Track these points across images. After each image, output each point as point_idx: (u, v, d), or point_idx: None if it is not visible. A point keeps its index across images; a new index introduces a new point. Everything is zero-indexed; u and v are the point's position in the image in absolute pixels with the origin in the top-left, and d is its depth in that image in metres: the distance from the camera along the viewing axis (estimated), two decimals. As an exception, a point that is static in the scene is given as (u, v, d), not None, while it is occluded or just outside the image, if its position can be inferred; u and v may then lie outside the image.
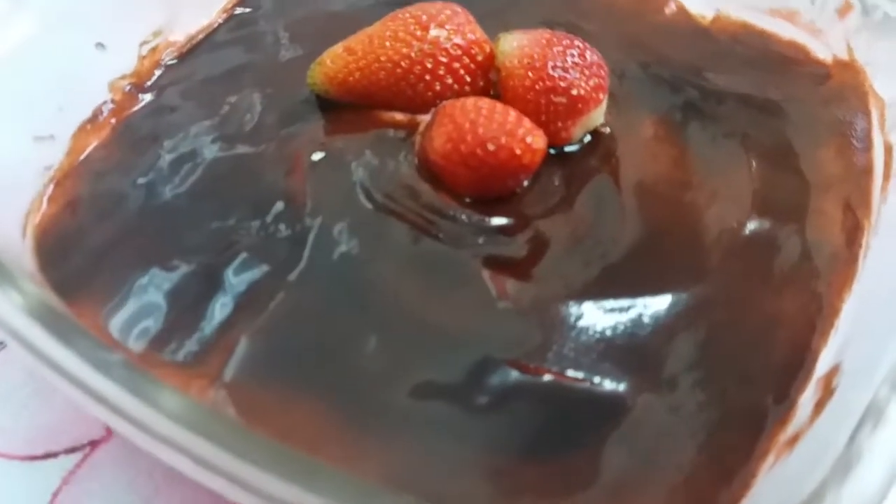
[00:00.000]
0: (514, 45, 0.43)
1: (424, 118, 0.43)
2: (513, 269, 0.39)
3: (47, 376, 0.31)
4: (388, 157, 0.42)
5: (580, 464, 0.34)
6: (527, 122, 0.40)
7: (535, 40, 0.42)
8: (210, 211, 0.41)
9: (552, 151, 0.42)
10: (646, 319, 0.38)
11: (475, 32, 0.43)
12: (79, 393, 0.30)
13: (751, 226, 0.42)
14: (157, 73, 0.48)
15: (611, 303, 0.38)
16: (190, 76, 0.48)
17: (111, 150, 0.44)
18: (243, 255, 0.39)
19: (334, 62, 0.44)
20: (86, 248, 0.40)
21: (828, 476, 0.29)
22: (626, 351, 0.37)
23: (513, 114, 0.40)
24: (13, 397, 0.42)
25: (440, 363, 0.36)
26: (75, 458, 0.40)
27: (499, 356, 0.36)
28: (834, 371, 0.36)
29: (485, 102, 0.40)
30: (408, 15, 0.44)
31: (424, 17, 0.43)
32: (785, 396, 0.36)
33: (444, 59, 0.43)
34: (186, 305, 0.37)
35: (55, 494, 0.39)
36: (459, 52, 0.43)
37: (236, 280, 0.38)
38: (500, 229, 0.40)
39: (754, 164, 0.44)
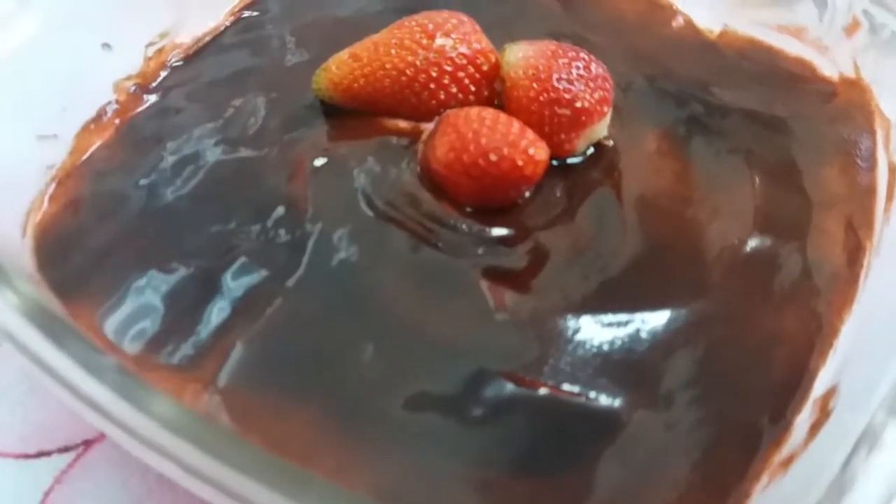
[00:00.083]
0: (519, 56, 0.42)
1: (428, 127, 0.43)
2: (512, 280, 0.39)
3: (40, 378, 0.31)
4: (391, 164, 0.42)
5: (573, 480, 0.34)
6: (530, 134, 0.40)
7: (540, 51, 0.42)
8: (211, 214, 0.40)
9: (555, 163, 0.42)
10: (644, 335, 0.38)
11: (481, 42, 0.43)
12: (70, 396, 0.30)
13: (752, 243, 0.42)
14: (163, 74, 0.48)
15: (609, 317, 0.38)
16: (195, 78, 0.48)
17: (114, 151, 0.44)
18: (242, 260, 0.39)
19: (339, 68, 0.44)
20: (85, 248, 0.40)
21: (822, 499, 0.29)
22: (623, 366, 0.36)
23: (516, 125, 0.40)
24: (8, 395, 0.42)
25: (436, 374, 0.35)
26: (68, 457, 0.40)
27: (495, 368, 0.36)
28: (831, 392, 0.35)
29: (488, 112, 0.40)
30: (414, 23, 0.43)
31: (430, 26, 0.43)
32: (781, 416, 0.36)
33: (449, 68, 0.43)
34: (184, 309, 0.37)
35: (47, 493, 0.39)
36: (465, 61, 0.43)
37: (234, 284, 0.38)
38: (501, 240, 0.40)
39: (757, 180, 0.44)
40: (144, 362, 0.35)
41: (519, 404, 0.35)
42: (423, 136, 0.43)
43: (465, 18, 0.44)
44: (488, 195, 0.40)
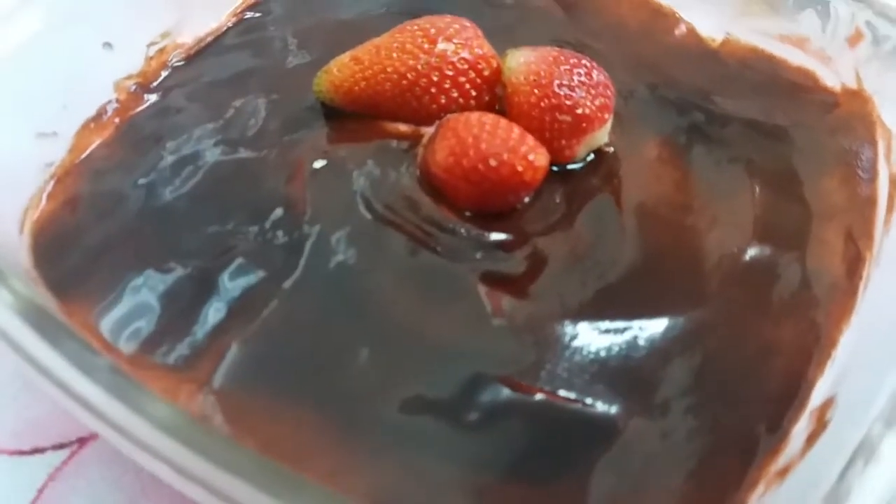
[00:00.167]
0: (520, 62, 0.42)
1: (428, 131, 0.43)
2: (509, 285, 0.39)
3: (33, 377, 0.31)
4: (390, 167, 0.42)
5: (568, 487, 0.33)
6: (530, 140, 0.40)
7: (542, 57, 0.42)
8: (209, 214, 0.40)
9: (555, 169, 0.42)
10: (641, 342, 0.37)
11: (483, 47, 0.43)
12: (63, 395, 0.30)
13: (751, 252, 0.41)
14: (164, 74, 0.48)
15: (607, 324, 0.38)
16: (196, 78, 0.48)
17: (113, 150, 0.44)
18: (239, 261, 0.39)
19: (341, 71, 0.44)
20: (83, 246, 0.39)
21: (818, 510, 0.28)
22: (619, 373, 0.36)
23: (516, 130, 0.40)
24: (3, 391, 0.42)
25: (432, 378, 0.35)
26: (63, 454, 0.40)
27: (491, 373, 0.35)
28: (828, 403, 0.35)
29: (489, 118, 0.40)
30: (416, 27, 0.43)
31: (433, 31, 0.43)
32: (778, 427, 0.36)
33: (450, 73, 0.43)
34: (180, 309, 0.37)
35: (41, 490, 0.39)
36: (466, 66, 0.43)
37: (231, 285, 0.38)
38: (499, 245, 0.40)
39: (757, 189, 0.44)
40: (139, 362, 0.35)
41: (515, 410, 0.35)
42: (424, 140, 0.43)
43: (468, 23, 0.44)
44: (487, 200, 0.40)
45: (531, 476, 0.34)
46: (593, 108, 0.42)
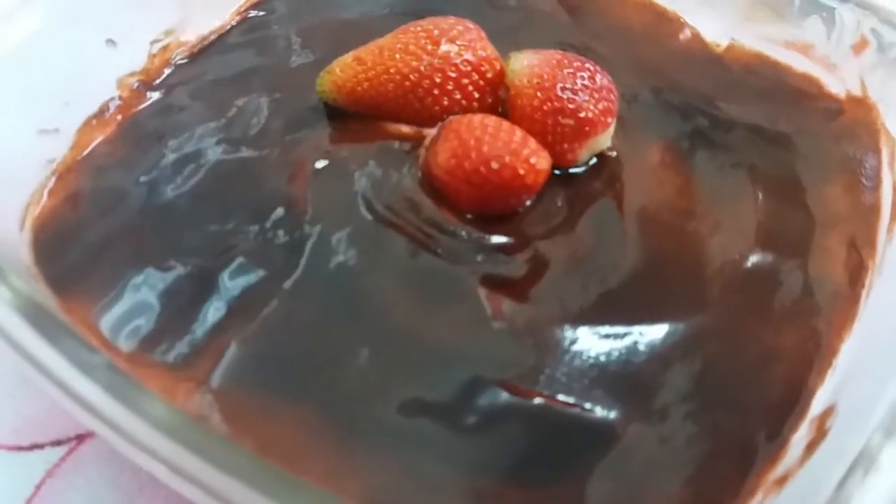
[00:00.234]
0: (524, 64, 0.42)
1: (430, 132, 0.43)
2: (510, 288, 0.38)
3: (30, 374, 0.31)
4: (392, 168, 0.42)
5: (566, 491, 0.33)
6: (532, 143, 0.40)
7: (545, 60, 0.42)
8: (210, 213, 0.40)
9: (557, 172, 0.42)
10: (641, 347, 0.37)
11: (486, 49, 0.43)
12: (60, 393, 0.30)
13: (753, 258, 0.41)
14: (167, 71, 0.48)
15: (607, 328, 0.38)
16: (199, 77, 0.48)
17: (115, 147, 0.44)
18: (240, 260, 0.38)
19: (344, 71, 0.44)
20: (83, 243, 0.39)
21: (815, 520, 0.28)
22: (619, 378, 0.36)
23: (518, 133, 0.40)
24: (2, 387, 0.42)
25: (430, 380, 0.35)
26: (61, 451, 0.40)
27: (490, 376, 0.35)
28: (828, 412, 0.35)
29: (491, 120, 0.40)
30: (419, 28, 0.43)
31: (436, 32, 0.43)
32: (777, 434, 0.35)
33: (453, 75, 0.43)
34: (179, 307, 0.37)
35: (38, 486, 0.39)
36: (469, 68, 0.43)
37: (231, 284, 0.38)
38: (500, 248, 0.40)
39: (760, 196, 0.44)
40: (138, 360, 0.35)
41: (513, 413, 0.35)
42: (426, 142, 0.42)
43: (472, 25, 0.44)
44: (489, 203, 0.40)
45: (529, 480, 0.33)
46: (596, 111, 0.42)
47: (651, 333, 0.38)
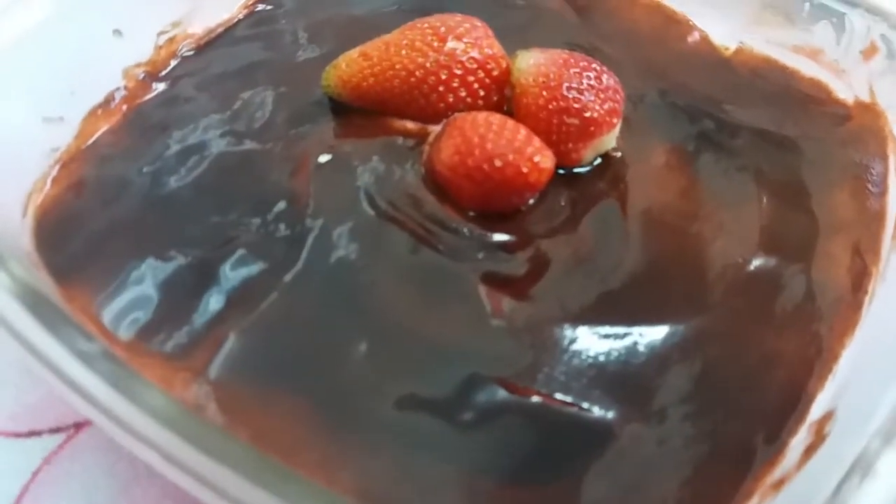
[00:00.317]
0: (530, 63, 0.42)
1: (435, 129, 0.42)
2: (510, 286, 0.38)
3: (28, 360, 0.31)
4: (395, 164, 0.42)
5: (561, 491, 0.33)
6: (536, 141, 0.40)
7: (551, 60, 0.42)
8: (212, 205, 0.40)
9: (561, 171, 0.42)
10: (641, 348, 0.37)
11: (492, 47, 0.43)
12: (57, 380, 0.30)
13: (756, 262, 0.41)
14: (173, 63, 0.48)
15: (607, 329, 0.37)
16: (205, 69, 0.48)
17: (120, 137, 0.44)
18: (241, 252, 0.38)
19: (349, 66, 0.44)
20: (85, 231, 0.40)
21: (811, 525, 0.28)
22: (617, 379, 0.36)
23: (523, 131, 0.40)
24: (3, 373, 0.42)
25: (428, 376, 0.35)
26: (59, 438, 0.40)
27: (487, 374, 0.35)
28: (827, 417, 0.35)
29: (496, 118, 0.40)
30: (426, 25, 0.43)
31: (443, 29, 0.43)
32: (776, 438, 0.35)
33: (458, 72, 0.42)
34: (179, 298, 0.37)
35: (35, 473, 0.39)
36: (475, 65, 0.43)
37: (231, 276, 0.38)
38: (501, 246, 0.40)
39: (765, 200, 0.44)
40: (136, 349, 0.35)
41: (510, 411, 0.35)
42: (430, 139, 0.42)
43: (479, 23, 0.44)
44: (491, 200, 0.40)
45: (525, 479, 0.33)
46: (602, 112, 0.42)
47: (651, 334, 0.38)
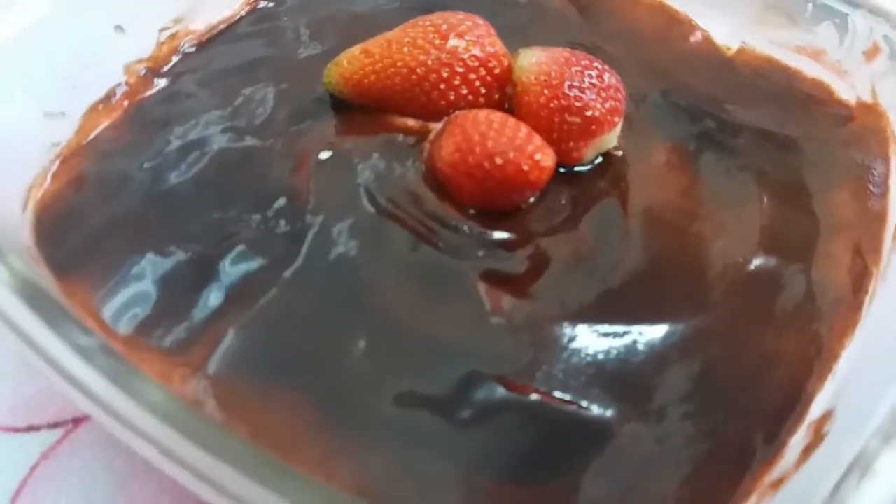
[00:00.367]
0: (532, 61, 0.42)
1: (436, 126, 0.42)
2: (510, 284, 0.38)
3: (26, 354, 0.31)
4: (396, 161, 0.42)
5: (559, 489, 0.33)
6: (537, 139, 0.39)
7: (553, 58, 0.42)
8: (212, 200, 0.40)
9: (562, 170, 0.42)
10: (640, 347, 0.37)
11: (494, 45, 0.43)
12: (55, 374, 0.30)
13: (756, 262, 0.41)
14: (175, 59, 0.48)
15: (606, 327, 0.37)
16: (207, 65, 0.48)
17: (121, 132, 0.44)
18: (240, 248, 0.38)
19: (351, 63, 0.44)
20: (85, 226, 0.40)
21: (809, 524, 0.28)
22: (617, 377, 0.36)
23: (524, 129, 0.40)
24: (2, 368, 0.42)
25: (427, 373, 0.35)
26: (57, 433, 0.40)
27: (486, 371, 0.35)
28: (826, 417, 0.35)
29: (497, 116, 0.40)
30: (428, 23, 0.43)
31: (444, 27, 0.43)
32: (775, 437, 0.35)
33: (460, 70, 0.42)
34: (178, 293, 0.37)
35: (33, 468, 0.39)
36: (477, 63, 0.43)
37: (231, 272, 0.38)
38: (501, 243, 0.40)
39: (766, 199, 0.44)
40: (135, 344, 0.35)
41: (509, 409, 0.35)
42: (431, 136, 0.42)
43: (481, 21, 0.44)
44: (491, 198, 0.40)
45: (523, 476, 0.33)
46: (603, 110, 0.42)
47: (650, 333, 0.37)
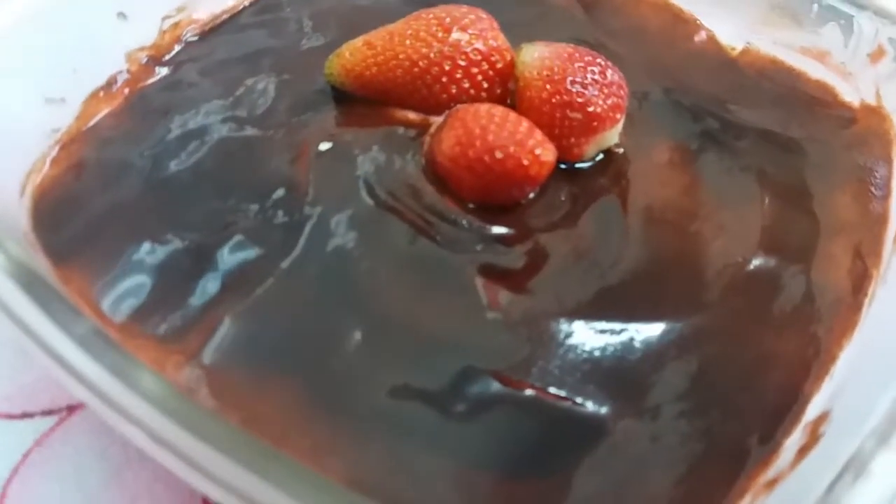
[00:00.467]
0: (534, 56, 0.42)
1: (437, 120, 0.42)
2: (507, 279, 0.38)
3: (21, 339, 0.31)
4: (396, 154, 0.42)
5: (552, 485, 0.33)
6: (538, 134, 0.39)
7: (556, 53, 0.42)
8: (211, 190, 0.40)
9: (562, 166, 0.42)
10: (637, 344, 0.37)
11: (497, 39, 0.43)
12: (48, 359, 0.30)
13: (756, 262, 0.41)
14: (177, 48, 0.48)
15: (603, 324, 0.37)
16: (209, 55, 0.48)
17: (121, 120, 0.44)
18: (238, 237, 0.38)
19: (353, 55, 0.44)
20: (83, 213, 0.39)
21: (801, 524, 0.28)
22: (612, 374, 0.36)
23: (525, 124, 0.39)
24: (-1, 354, 0.42)
25: (422, 367, 0.35)
26: (51, 420, 0.40)
27: (482, 366, 0.35)
28: (823, 418, 0.35)
29: (498, 110, 0.40)
30: (431, 16, 0.43)
31: (447, 20, 0.43)
32: (770, 438, 0.35)
33: (462, 63, 0.42)
34: (175, 281, 0.37)
35: (26, 455, 0.39)
36: (479, 57, 0.43)
37: (228, 261, 0.38)
38: (500, 238, 0.40)
39: (767, 200, 0.44)
40: (130, 331, 0.35)
41: (504, 404, 0.34)
42: (431, 129, 0.42)
43: (484, 15, 0.44)
44: (491, 192, 0.40)
45: (516, 471, 0.33)
46: (605, 107, 0.42)
47: (648, 331, 0.37)
